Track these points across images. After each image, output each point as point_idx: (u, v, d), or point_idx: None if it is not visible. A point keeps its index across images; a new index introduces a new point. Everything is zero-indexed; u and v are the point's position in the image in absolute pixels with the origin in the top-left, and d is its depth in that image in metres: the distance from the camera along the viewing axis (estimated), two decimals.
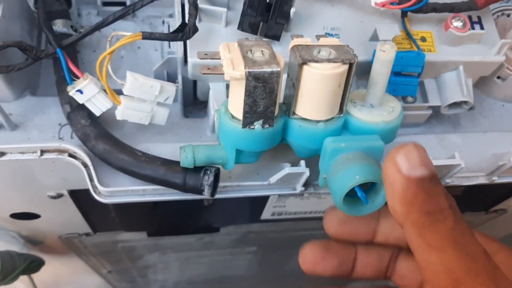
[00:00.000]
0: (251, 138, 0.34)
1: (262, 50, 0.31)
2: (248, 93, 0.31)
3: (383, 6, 0.38)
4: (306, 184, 0.41)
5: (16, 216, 0.51)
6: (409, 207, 0.26)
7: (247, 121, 0.33)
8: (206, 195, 0.37)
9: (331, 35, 0.42)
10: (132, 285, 0.94)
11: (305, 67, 0.31)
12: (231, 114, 0.33)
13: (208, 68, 0.32)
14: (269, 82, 0.30)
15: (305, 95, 0.32)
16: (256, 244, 0.73)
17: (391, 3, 0.38)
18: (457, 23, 0.42)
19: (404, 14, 0.42)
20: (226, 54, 0.32)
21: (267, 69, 0.30)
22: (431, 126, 0.47)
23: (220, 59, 0.32)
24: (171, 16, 0.51)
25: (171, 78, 0.45)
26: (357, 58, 0.31)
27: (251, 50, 0.31)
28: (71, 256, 0.68)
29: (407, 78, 0.41)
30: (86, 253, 0.67)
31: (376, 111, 0.34)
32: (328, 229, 0.37)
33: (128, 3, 0.49)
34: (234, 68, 0.30)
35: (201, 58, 0.34)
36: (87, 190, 0.40)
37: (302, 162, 0.38)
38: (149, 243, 0.64)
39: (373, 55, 0.40)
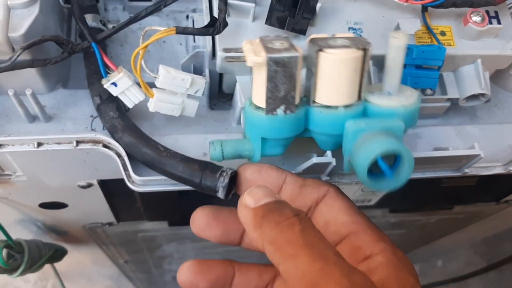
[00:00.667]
0: (274, 124, 0.35)
1: (281, 42, 0.34)
2: (270, 78, 0.33)
3: (406, 1, 0.40)
4: (331, 174, 0.42)
5: (44, 205, 0.53)
6: (261, 227, 0.29)
7: (270, 107, 0.34)
8: (220, 196, 0.38)
9: (354, 29, 0.43)
10: (147, 276, 0.95)
11: (321, 54, 0.33)
12: (255, 105, 0.35)
13: (233, 58, 0.34)
14: (288, 66, 0.32)
15: (323, 81, 0.34)
16: None
17: None
18: (476, 18, 0.43)
19: (424, 9, 0.44)
20: (249, 46, 0.34)
21: (286, 54, 0.32)
22: (448, 117, 0.49)
23: (243, 51, 0.34)
24: (194, 10, 0.52)
25: (198, 71, 0.47)
26: (371, 46, 0.33)
27: (271, 42, 0.33)
28: (91, 246, 0.70)
29: (428, 71, 0.42)
30: (107, 242, 0.69)
31: (395, 97, 0.35)
32: (194, 229, 0.39)
33: None
34: (256, 55, 0.32)
35: (226, 51, 0.36)
36: (116, 180, 0.41)
37: (329, 152, 0.40)
38: (168, 233, 0.66)
39: None
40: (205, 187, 0.38)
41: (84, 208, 0.56)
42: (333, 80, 0.33)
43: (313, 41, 0.33)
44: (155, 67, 0.49)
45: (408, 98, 0.35)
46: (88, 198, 0.51)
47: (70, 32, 0.48)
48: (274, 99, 0.34)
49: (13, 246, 0.55)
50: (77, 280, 0.94)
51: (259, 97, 0.35)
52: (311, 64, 0.34)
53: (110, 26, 0.48)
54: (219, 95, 0.49)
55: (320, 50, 0.32)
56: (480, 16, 0.43)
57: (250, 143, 0.38)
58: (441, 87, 0.46)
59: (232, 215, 0.38)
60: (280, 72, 0.32)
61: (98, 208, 0.55)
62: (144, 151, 0.39)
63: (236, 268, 0.38)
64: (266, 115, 0.34)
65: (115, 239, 0.67)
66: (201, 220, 0.38)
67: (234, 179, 0.38)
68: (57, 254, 0.63)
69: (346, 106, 0.34)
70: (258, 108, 0.35)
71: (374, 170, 0.33)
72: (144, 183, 0.40)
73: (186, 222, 0.40)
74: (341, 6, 0.43)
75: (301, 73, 0.34)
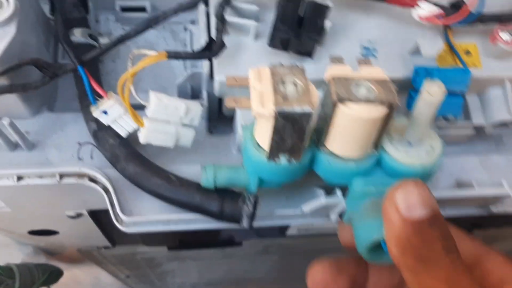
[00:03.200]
0: (275, 170, 0.31)
1: (295, 81, 0.28)
2: (276, 131, 0.28)
3: (427, 20, 0.35)
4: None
5: (34, 232, 0.50)
6: (403, 251, 0.25)
7: (273, 155, 0.30)
8: (244, 225, 0.34)
9: (367, 49, 0.39)
10: (150, 287, 0.93)
11: (340, 106, 0.28)
12: (256, 142, 0.31)
13: (235, 101, 0.30)
14: (299, 122, 0.28)
15: (337, 132, 0.29)
16: (278, 253, 0.71)
17: (437, 17, 0.35)
18: (505, 36, 0.39)
19: (447, 25, 0.39)
20: (256, 85, 0.29)
21: (298, 109, 0.27)
22: (472, 144, 0.44)
23: (249, 85, 0.30)
24: (192, 22, 0.48)
25: (195, 92, 0.43)
26: (399, 101, 0.28)
27: (283, 81, 0.29)
28: (89, 264, 0.67)
29: (451, 97, 0.38)
30: (105, 262, 0.65)
31: (414, 150, 0.31)
32: (343, 240, 0.35)
33: (148, 8, 0.47)
34: (263, 105, 0.27)
35: (230, 84, 0.31)
36: (107, 210, 0.38)
37: (338, 192, 0.36)
38: (169, 254, 0.62)
39: (414, 73, 0.38)
40: (226, 216, 0.35)
41: (77, 234, 0.53)
42: (349, 134, 0.29)
43: (332, 83, 0.28)
44: (149, 85, 0.45)
45: (429, 153, 0.31)
46: (79, 225, 0.48)
47: (57, 47, 0.44)
48: (279, 148, 0.29)
49: (2, 272, 0.52)
50: None
51: (262, 139, 0.30)
52: (327, 108, 0.29)
53: (101, 39, 0.44)
54: (219, 116, 0.45)
55: (339, 101, 0.27)
56: (510, 34, 0.38)
57: (246, 174, 0.34)
58: (464, 113, 0.41)
59: (355, 263, 0.34)
60: (289, 127, 0.28)
61: (92, 234, 0.52)
62: (154, 182, 0.36)
63: (369, 268, 0.35)
64: (267, 161, 0.30)
65: (113, 260, 0.64)
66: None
67: (257, 205, 0.35)
68: (52, 277, 0.60)
69: (359, 159, 0.30)
70: (259, 147, 0.31)
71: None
72: (133, 223, 0.36)
73: (186, 247, 0.37)
74: (353, 22, 0.39)
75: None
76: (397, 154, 0.30)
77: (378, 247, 0.29)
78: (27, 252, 0.59)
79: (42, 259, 0.61)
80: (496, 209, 0.39)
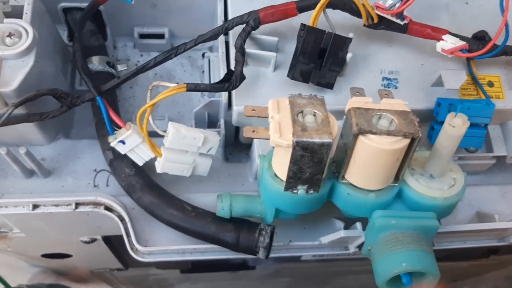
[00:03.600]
0: (293, 201, 0.31)
1: (314, 112, 0.28)
2: (294, 161, 0.28)
3: (451, 53, 0.34)
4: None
5: (47, 256, 0.49)
6: None
7: (290, 185, 0.30)
8: (260, 256, 0.34)
9: (388, 79, 0.38)
10: None
11: (361, 138, 0.27)
12: (274, 172, 0.31)
13: (253, 131, 0.29)
14: (318, 153, 0.27)
15: (358, 164, 0.29)
16: (291, 276, 0.70)
17: (461, 50, 0.34)
18: None
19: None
20: (275, 115, 0.29)
21: (317, 140, 0.26)
22: (492, 174, 0.43)
23: (267, 117, 0.29)
24: (211, 49, 0.48)
25: (212, 119, 0.42)
26: (421, 133, 0.27)
27: (302, 112, 0.28)
28: (101, 284, 0.67)
29: (473, 129, 0.37)
30: (116, 282, 0.65)
31: (436, 183, 0.30)
32: None
33: (166, 35, 0.46)
34: (281, 135, 0.27)
35: (248, 115, 0.31)
36: (121, 236, 0.37)
37: (358, 225, 0.35)
38: (181, 276, 0.62)
39: (436, 105, 0.37)
40: (242, 248, 0.35)
41: (90, 258, 0.52)
42: (370, 166, 0.28)
43: (352, 113, 0.28)
44: (167, 112, 0.45)
45: (451, 188, 0.30)
46: (93, 250, 0.48)
47: (74, 73, 0.44)
48: (297, 179, 0.29)
49: None
50: None
51: (280, 169, 0.30)
52: (347, 139, 0.28)
53: (119, 66, 0.44)
54: (235, 143, 0.44)
55: (360, 133, 0.27)
56: None
57: (263, 204, 0.34)
58: (486, 143, 0.40)
59: None
60: (307, 157, 0.27)
61: (105, 257, 0.51)
62: (170, 212, 0.36)
63: None
64: (284, 192, 0.30)
65: (125, 281, 0.63)
66: None
67: (273, 236, 0.35)
68: None
69: (379, 190, 0.30)
70: (277, 177, 0.30)
71: None
72: (149, 252, 0.36)
73: (198, 270, 0.36)
74: (374, 52, 0.39)
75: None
76: (418, 186, 0.30)
77: (396, 280, 0.29)
78: (37, 272, 0.58)
79: (52, 279, 0.60)
80: None
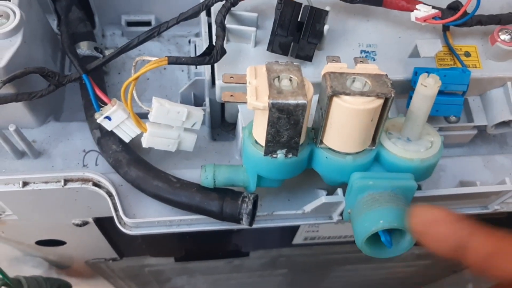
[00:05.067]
0: (273, 166, 0.32)
1: (290, 77, 0.29)
2: (271, 124, 0.29)
3: (424, 21, 0.35)
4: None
5: (41, 243, 0.50)
6: None
7: (269, 150, 0.31)
8: (244, 224, 0.35)
9: (367, 52, 0.39)
10: None
11: (335, 99, 0.28)
12: (254, 139, 0.32)
13: (231, 95, 0.31)
14: (294, 114, 0.28)
15: (334, 126, 0.29)
16: (287, 267, 0.71)
17: (434, 18, 0.35)
18: (505, 36, 0.39)
19: (446, 28, 0.39)
20: (252, 81, 0.29)
21: (292, 101, 0.27)
22: (475, 146, 0.44)
23: (245, 83, 0.30)
24: (197, 35, 0.49)
25: (198, 100, 0.43)
26: (394, 93, 0.28)
27: (278, 77, 0.29)
28: (98, 279, 0.67)
29: (451, 97, 0.38)
30: (113, 276, 0.65)
31: (413, 146, 0.31)
32: None
33: (153, 22, 0.48)
34: (257, 98, 0.28)
35: (226, 82, 0.32)
36: (113, 218, 0.38)
37: (339, 190, 0.36)
38: (177, 267, 0.62)
39: (414, 74, 0.38)
40: (226, 216, 0.35)
41: (84, 245, 0.53)
42: (345, 128, 0.29)
43: (327, 77, 0.29)
44: (154, 95, 0.46)
45: (428, 150, 0.31)
46: (86, 235, 0.48)
47: (64, 61, 0.45)
48: (275, 143, 0.30)
49: (11, 285, 0.52)
50: None
51: (259, 135, 0.31)
52: (322, 103, 0.29)
53: (107, 52, 0.45)
54: (222, 124, 0.45)
55: (334, 95, 0.28)
56: (509, 34, 0.39)
57: (245, 173, 0.34)
58: (466, 114, 0.41)
59: None
60: (284, 119, 0.28)
61: (99, 244, 0.52)
62: (155, 184, 0.36)
63: None
64: (264, 157, 0.30)
65: (121, 274, 0.64)
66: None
67: (256, 204, 0.35)
68: None
69: (357, 153, 0.30)
70: (257, 144, 0.31)
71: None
72: (136, 225, 0.37)
73: (193, 257, 0.37)
74: (352, 27, 0.40)
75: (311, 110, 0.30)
76: (395, 149, 0.31)
77: (376, 242, 0.29)
78: (36, 267, 0.59)
79: (52, 274, 0.61)
80: (500, 207, 0.39)
